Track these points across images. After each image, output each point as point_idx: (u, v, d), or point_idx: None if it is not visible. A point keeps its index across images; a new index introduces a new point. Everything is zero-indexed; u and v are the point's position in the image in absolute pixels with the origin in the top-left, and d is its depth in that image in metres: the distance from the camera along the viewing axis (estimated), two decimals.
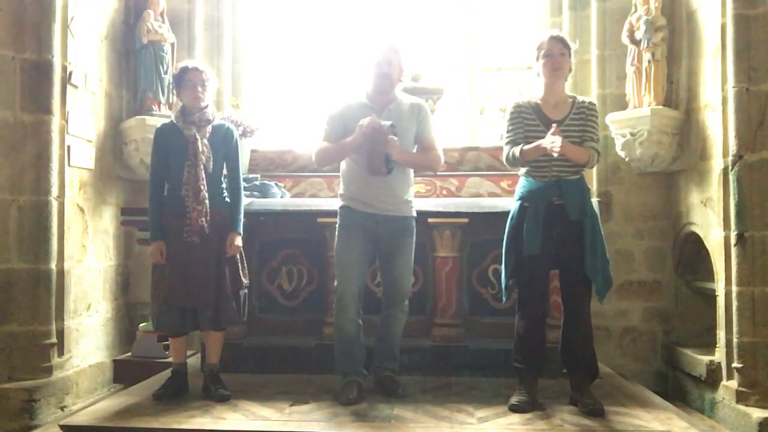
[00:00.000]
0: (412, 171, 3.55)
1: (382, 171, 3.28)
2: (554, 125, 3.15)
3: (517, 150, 3.23)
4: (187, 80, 3.42)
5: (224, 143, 3.48)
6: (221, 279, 3.38)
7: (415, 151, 3.52)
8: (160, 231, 3.40)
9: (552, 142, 3.09)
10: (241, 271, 3.46)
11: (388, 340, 3.53)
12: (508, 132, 3.34)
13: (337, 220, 3.49)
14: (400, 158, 3.34)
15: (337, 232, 3.48)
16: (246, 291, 3.52)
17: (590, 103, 3.36)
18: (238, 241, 3.43)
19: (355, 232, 3.40)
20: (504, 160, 3.37)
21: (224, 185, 3.50)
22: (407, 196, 3.49)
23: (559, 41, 3.28)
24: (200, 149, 3.37)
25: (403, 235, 3.45)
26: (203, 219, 3.33)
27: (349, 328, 3.40)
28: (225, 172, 3.51)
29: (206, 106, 3.45)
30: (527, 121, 3.29)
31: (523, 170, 3.32)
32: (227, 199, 3.48)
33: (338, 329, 3.44)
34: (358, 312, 3.43)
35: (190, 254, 3.34)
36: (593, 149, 3.24)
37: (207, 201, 3.35)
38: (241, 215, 3.49)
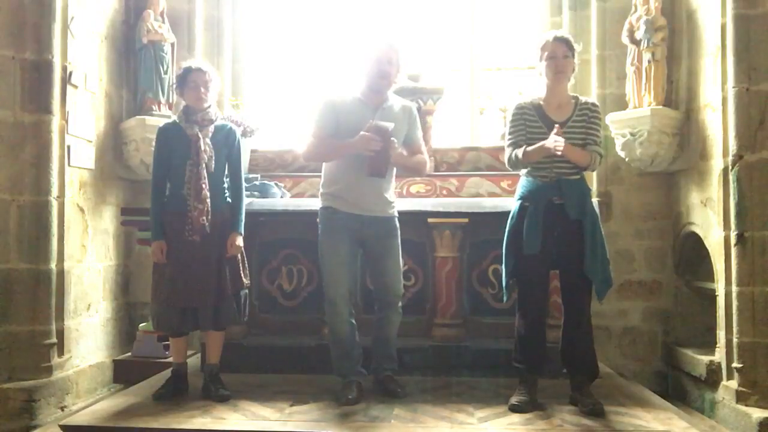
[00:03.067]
0: (395, 172, 3.51)
1: (383, 173, 3.28)
2: (557, 126, 3.15)
3: (520, 152, 3.22)
4: (190, 81, 3.43)
5: (226, 143, 3.48)
6: (222, 279, 3.38)
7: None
8: (161, 230, 3.40)
9: (555, 141, 3.09)
10: (241, 272, 3.46)
11: (385, 342, 3.52)
12: (509, 133, 3.33)
13: (319, 221, 3.44)
14: (396, 160, 3.33)
15: (320, 235, 3.42)
16: (247, 291, 3.52)
17: (593, 104, 3.35)
18: (239, 242, 3.43)
19: (341, 235, 3.34)
20: (506, 161, 3.36)
21: (226, 185, 3.50)
22: (390, 197, 3.46)
23: (563, 43, 3.25)
24: (202, 148, 3.37)
25: (389, 236, 3.42)
26: (204, 218, 3.33)
27: (343, 331, 3.39)
28: (227, 172, 3.51)
29: (209, 106, 3.46)
30: (529, 123, 3.28)
31: (523, 170, 3.32)
32: (229, 199, 3.48)
33: (333, 333, 3.43)
34: (351, 312, 3.41)
35: (191, 254, 3.34)
36: (596, 152, 3.24)
37: (208, 200, 3.35)
38: (243, 215, 3.49)
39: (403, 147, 3.45)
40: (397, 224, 3.48)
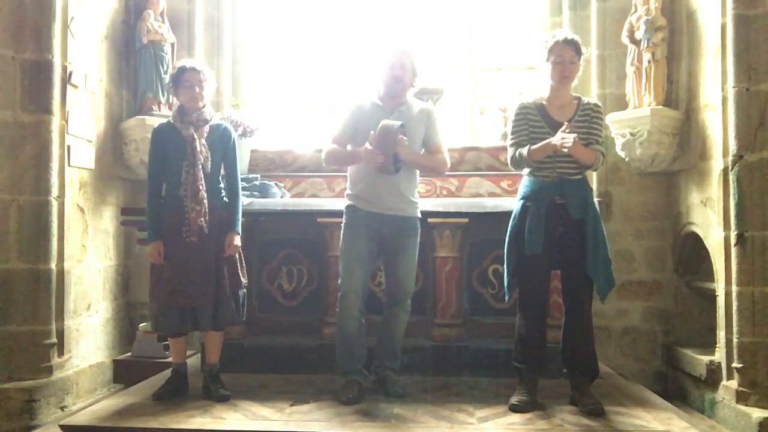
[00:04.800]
0: (417, 172, 3.57)
1: (390, 170, 3.30)
2: (566, 123, 3.15)
3: (524, 151, 3.22)
4: (184, 80, 3.42)
5: (222, 143, 3.48)
6: (220, 279, 3.37)
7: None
8: (158, 231, 3.40)
9: (563, 138, 3.08)
10: (239, 271, 3.46)
11: (390, 339, 3.54)
12: (512, 133, 3.33)
13: (343, 218, 3.51)
14: (408, 158, 3.36)
15: (342, 231, 3.49)
16: (245, 291, 3.52)
17: (595, 104, 3.36)
18: (237, 241, 3.43)
19: (360, 232, 3.42)
20: (509, 161, 3.36)
21: (222, 185, 3.49)
22: (412, 197, 3.51)
23: (571, 47, 3.24)
24: (198, 149, 3.37)
25: (407, 235, 3.46)
26: (202, 219, 3.33)
27: (351, 326, 3.41)
28: (223, 172, 3.51)
29: (204, 106, 3.46)
30: (532, 122, 3.28)
31: (526, 170, 3.32)
32: (225, 199, 3.48)
33: (340, 328, 3.45)
34: (361, 311, 3.43)
35: (189, 254, 3.33)
36: (598, 152, 3.24)
37: (206, 201, 3.35)
38: (240, 215, 3.49)
39: (423, 148, 3.54)
40: (418, 224, 3.53)
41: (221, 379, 3.49)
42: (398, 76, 3.43)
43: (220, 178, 3.49)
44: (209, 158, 3.40)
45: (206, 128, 3.44)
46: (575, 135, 3.08)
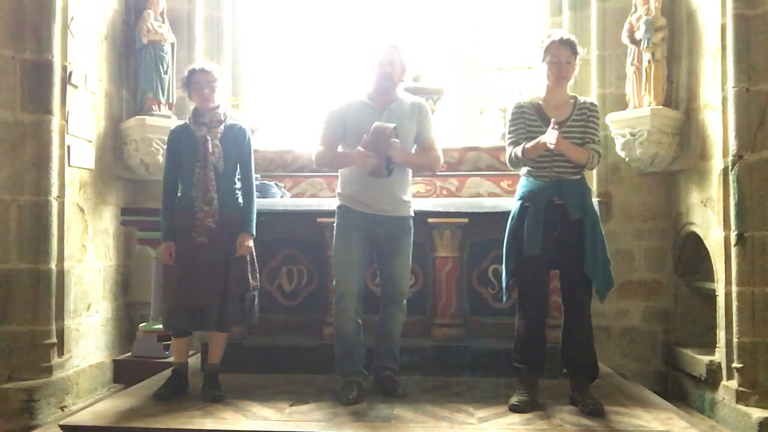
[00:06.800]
0: (410, 171, 3.55)
1: (383, 173, 3.29)
2: (552, 120, 3.15)
3: (519, 150, 3.23)
4: (194, 82, 3.44)
5: (236, 143, 3.47)
6: (228, 280, 3.37)
7: (414, 150, 3.51)
8: (170, 232, 3.41)
9: (549, 135, 3.09)
10: (249, 273, 3.44)
11: (388, 339, 3.53)
12: (509, 132, 3.34)
13: (335, 219, 3.49)
14: (401, 160, 3.34)
15: (335, 232, 3.48)
16: (254, 293, 3.49)
17: (591, 103, 3.36)
18: (249, 242, 3.42)
19: (353, 232, 3.40)
20: (507, 160, 3.37)
21: (237, 186, 3.49)
22: (405, 197, 3.48)
23: (567, 47, 3.24)
24: (210, 150, 3.37)
25: (401, 236, 3.45)
26: (211, 219, 3.34)
27: (348, 328, 3.40)
28: (238, 172, 3.50)
29: (217, 106, 3.46)
30: (529, 122, 3.28)
31: (524, 170, 3.32)
32: (240, 200, 3.47)
33: (338, 330, 3.45)
34: (358, 312, 3.43)
35: (199, 254, 3.34)
36: (594, 150, 3.24)
37: (215, 202, 3.35)
38: (254, 216, 3.47)
39: (416, 144, 3.50)
40: (411, 224, 3.51)
41: (219, 379, 3.48)
42: (387, 72, 3.38)
43: (235, 179, 3.48)
44: (222, 158, 3.40)
45: (221, 128, 3.44)
46: (556, 132, 3.09)
